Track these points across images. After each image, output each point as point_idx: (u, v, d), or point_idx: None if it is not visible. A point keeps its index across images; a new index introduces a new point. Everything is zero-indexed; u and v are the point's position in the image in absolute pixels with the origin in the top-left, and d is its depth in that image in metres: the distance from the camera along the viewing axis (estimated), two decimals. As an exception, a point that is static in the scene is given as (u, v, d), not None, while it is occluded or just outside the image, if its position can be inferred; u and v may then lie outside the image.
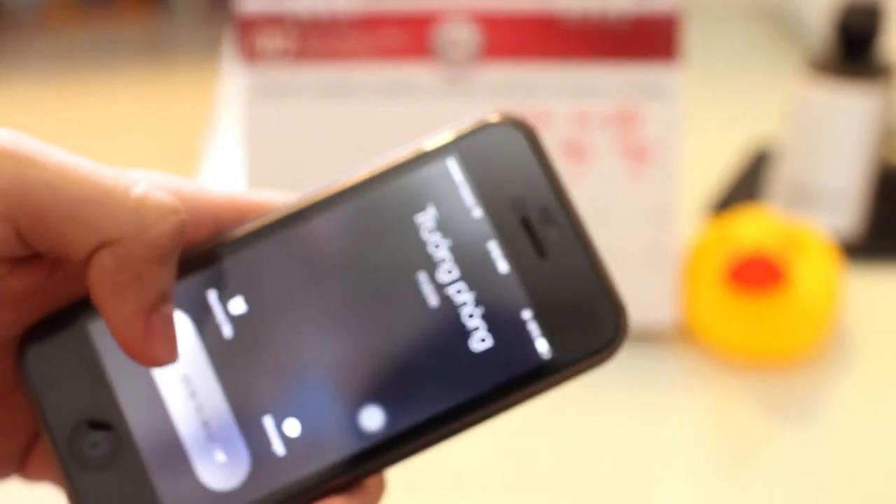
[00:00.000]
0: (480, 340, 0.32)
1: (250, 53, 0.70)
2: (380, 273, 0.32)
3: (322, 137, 0.70)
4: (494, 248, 0.32)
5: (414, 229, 0.32)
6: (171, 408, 0.32)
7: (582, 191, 0.69)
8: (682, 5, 0.68)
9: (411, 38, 0.69)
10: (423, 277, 0.32)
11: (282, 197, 0.34)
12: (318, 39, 0.70)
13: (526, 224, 0.32)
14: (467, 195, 0.32)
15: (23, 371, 0.32)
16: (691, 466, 0.62)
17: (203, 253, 0.33)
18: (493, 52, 0.69)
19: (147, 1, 1.62)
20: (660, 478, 0.61)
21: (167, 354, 0.30)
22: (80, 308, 0.32)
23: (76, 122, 1.22)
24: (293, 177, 0.70)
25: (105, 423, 0.31)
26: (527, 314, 0.32)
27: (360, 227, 0.32)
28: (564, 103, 0.69)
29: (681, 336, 0.71)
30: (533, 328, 0.32)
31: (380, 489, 0.32)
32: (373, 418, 0.32)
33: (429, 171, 0.33)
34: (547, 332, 0.32)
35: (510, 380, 0.32)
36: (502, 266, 0.32)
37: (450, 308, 0.32)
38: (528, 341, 0.32)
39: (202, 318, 0.32)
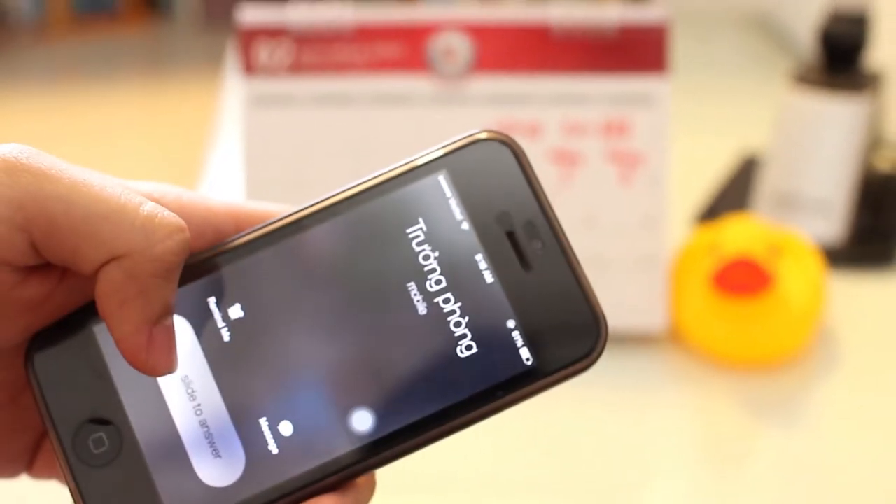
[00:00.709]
0: (466, 348, 0.33)
1: (249, 64, 0.72)
2: (371, 282, 0.34)
3: (319, 147, 0.71)
4: (481, 261, 0.34)
5: (405, 241, 0.34)
6: (172, 408, 0.33)
7: (573, 198, 0.70)
8: (670, 16, 0.70)
9: (406, 49, 0.71)
10: (412, 287, 0.34)
11: (279, 208, 0.35)
12: (315, 51, 0.71)
13: (511, 237, 0.34)
14: (456, 209, 0.34)
15: (30, 372, 0.33)
16: (679, 467, 0.63)
17: (204, 261, 0.34)
18: (487, 63, 0.71)
19: (147, 11, 1.63)
20: (648, 478, 0.63)
21: (167, 365, 0.32)
22: (86, 313, 0.34)
23: (77, 131, 1.23)
24: (291, 185, 0.72)
25: (108, 421, 0.33)
26: (511, 323, 0.33)
27: (353, 238, 0.34)
28: (555, 113, 0.70)
29: (669, 339, 0.72)
30: (517, 337, 0.33)
31: (370, 488, 0.34)
32: (363, 421, 0.33)
33: (419, 186, 0.34)
34: (530, 341, 0.33)
35: (495, 385, 0.33)
36: (488, 277, 0.34)
37: (438, 317, 0.33)
38: (513, 349, 0.33)
39: (202, 323, 0.34)
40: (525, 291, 0.33)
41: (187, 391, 0.33)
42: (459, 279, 0.34)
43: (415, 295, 0.34)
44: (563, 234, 0.34)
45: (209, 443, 0.33)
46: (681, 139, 0.75)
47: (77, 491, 0.32)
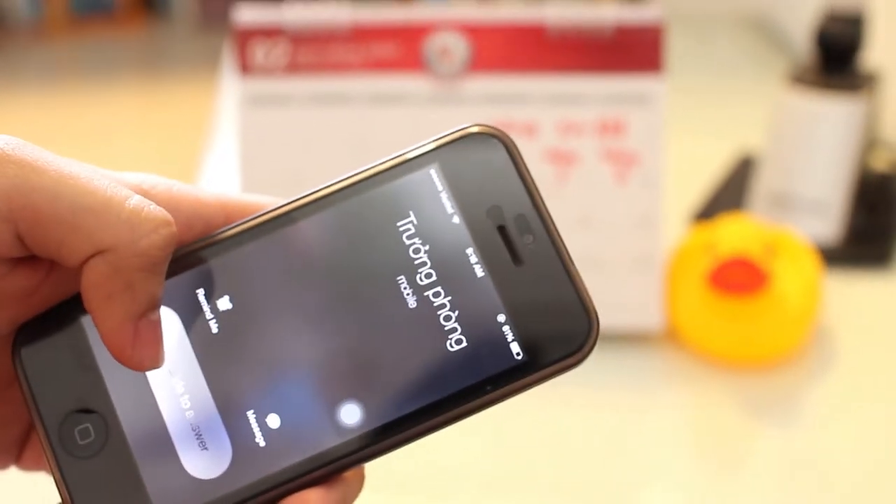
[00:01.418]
0: (456, 342, 0.33)
1: (245, 64, 0.72)
2: (361, 275, 0.34)
3: (315, 147, 0.71)
4: (472, 254, 0.34)
5: (396, 234, 0.34)
6: (159, 399, 0.33)
7: (568, 198, 0.70)
8: (665, 16, 0.70)
9: (402, 49, 0.71)
10: (402, 280, 0.34)
11: (269, 200, 0.35)
12: (311, 51, 0.71)
13: (503, 231, 0.34)
14: (447, 202, 0.34)
15: (17, 364, 0.33)
16: (676, 465, 0.64)
17: (193, 252, 0.34)
18: (483, 63, 0.71)
19: (144, 12, 1.63)
20: (645, 477, 0.63)
21: (152, 359, 0.32)
22: (73, 305, 0.33)
23: (75, 131, 1.23)
24: (287, 185, 0.72)
25: (94, 412, 0.33)
26: (501, 318, 0.33)
27: (343, 231, 0.34)
28: (551, 113, 0.70)
29: (665, 339, 0.72)
30: (507, 331, 0.33)
31: (359, 482, 0.34)
32: (351, 414, 0.33)
33: (411, 179, 0.34)
34: (520, 336, 0.33)
35: (484, 380, 0.33)
36: (479, 271, 0.33)
37: (428, 310, 0.33)
38: (503, 344, 0.33)
39: (190, 315, 0.34)
40: (516, 286, 0.33)
41: (175, 383, 0.33)
42: (450, 273, 0.34)
43: (404, 288, 0.33)
44: (555, 228, 0.34)
45: (196, 434, 0.33)
46: (677, 139, 0.75)
47: (62, 481, 0.32)
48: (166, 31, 1.63)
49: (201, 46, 1.54)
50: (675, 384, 0.69)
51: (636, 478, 0.63)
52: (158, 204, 0.32)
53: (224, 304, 0.34)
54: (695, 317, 0.70)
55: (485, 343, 0.33)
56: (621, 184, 0.70)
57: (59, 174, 0.31)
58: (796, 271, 0.70)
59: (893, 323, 0.77)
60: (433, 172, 0.34)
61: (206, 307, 0.34)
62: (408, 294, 0.33)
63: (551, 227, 0.34)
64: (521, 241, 0.34)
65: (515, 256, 0.34)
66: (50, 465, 0.33)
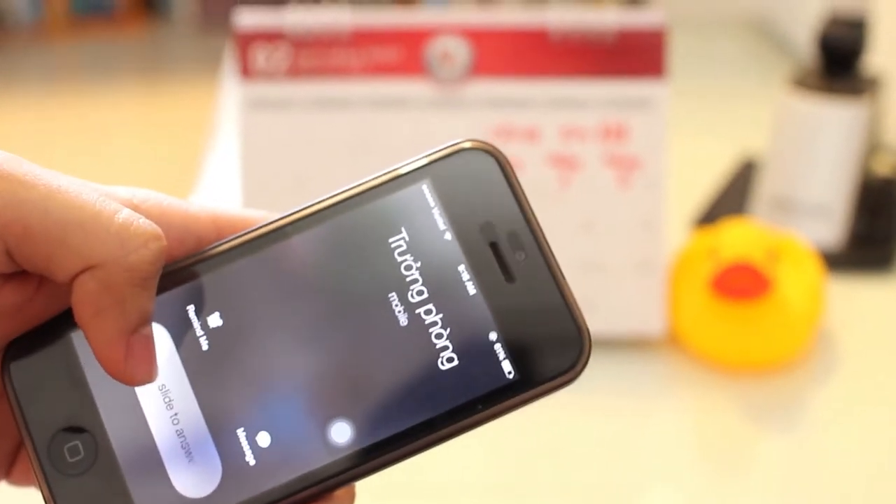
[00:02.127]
0: (448, 360, 0.33)
1: (246, 68, 0.71)
2: (353, 291, 0.33)
3: (316, 151, 0.71)
4: (464, 271, 0.33)
5: (387, 250, 0.34)
6: (149, 417, 0.33)
7: (571, 203, 0.70)
8: (668, 20, 0.70)
9: (404, 53, 0.71)
10: (394, 298, 0.33)
11: (261, 215, 0.35)
12: (312, 55, 0.71)
13: (495, 248, 0.33)
14: (439, 218, 0.34)
15: (6, 380, 0.33)
16: (678, 471, 0.63)
17: (183, 268, 0.34)
18: (484, 67, 0.70)
19: (145, 13, 1.63)
20: (647, 483, 0.63)
21: (146, 374, 0.31)
22: (63, 321, 0.33)
23: (75, 133, 1.23)
24: (288, 189, 0.71)
25: (84, 430, 0.33)
26: (493, 335, 0.33)
27: (335, 247, 0.34)
28: (554, 117, 0.70)
29: (667, 344, 0.72)
30: (499, 349, 0.33)
31: (349, 500, 0.34)
32: (342, 433, 0.33)
33: (403, 195, 0.34)
34: (512, 354, 0.33)
35: (475, 399, 0.33)
36: (471, 288, 0.33)
37: (419, 328, 0.33)
38: (495, 362, 0.33)
39: (180, 332, 0.33)
40: (508, 303, 0.33)
41: (164, 400, 0.33)
42: (442, 290, 0.33)
43: (396, 305, 0.33)
44: (547, 245, 0.34)
45: (186, 452, 0.33)
46: (679, 143, 0.75)
47: (51, 499, 0.32)
48: (167, 32, 1.63)
49: (202, 48, 1.54)
50: (678, 389, 0.69)
51: (638, 483, 0.62)
52: (149, 218, 0.32)
53: (214, 320, 0.33)
54: (697, 322, 0.70)
55: (476, 361, 0.33)
56: (624, 188, 0.70)
57: (48, 189, 0.30)
58: (799, 276, 0.69)
59: (896, 328, 0.76)
60: (425, 188, 0.34)
61: (196, 324, 0.33)
62: (399, 311, 0.33)
63: (544, 244, 0.34)
64: (512, 258, 0.33)
65: (507, 273, 0.33)
66: (39, 483, 0.32)
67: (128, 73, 1.47)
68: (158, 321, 0.33)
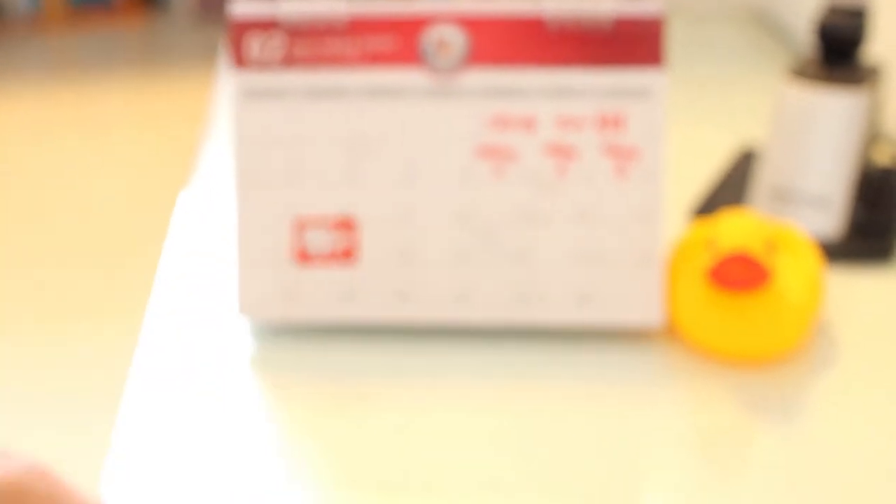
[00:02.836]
0: None
1: (240, 57, 0.71)
2: None
3: (311, 141, 0.71)
4: None
5: None
6: None
7: (568, 192, 0.70)
8: (666, 8, 0.69)
9: (399, 42, 0.70)
10: None
11: None
12: (307, 44, 0.71)
13: None
14: None
15: None
16: (674, 465, 0.63)
17: None
18: (481, 56, 0.70)
19: (142, 4, 1.63)
20: (642, 478, 0.62)
21: None
22: None
23: (73, 123, 1.23)
24: (283, 179, 0.71)
25: None
26: None
27: None
28: (550, 107, 0.70)
29: (664, 335, 0.71)
30: None
31: None
32: None
33: None
34: None
35: None
36: None
37: None
38: None
39: None
40: None
41: None
42: None
43: None
44: None
45: None
46: (677, 133, 0.75)
47: None
48: (165, 23, 1.63)
49: (200, 39, 1.54)
50: (674, 381, 0.69)
51: (634, 477, 0.62)
52: None
53: None
54: (694, 313, 0.69)
55: None
56: (621, 178, 0.70)
57: None
58: (798, 267, 0.69)
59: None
60: None
61: None
62: None
63: None
64: None
65: None
66: None
67: (126, 65, 1.47)
68: None
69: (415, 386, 0.67)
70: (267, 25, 0.71)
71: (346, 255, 0.71)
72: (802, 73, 0.82)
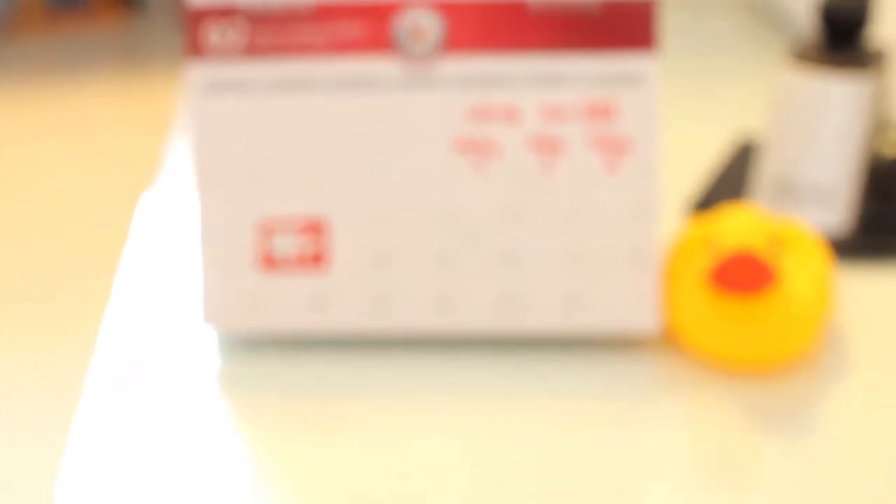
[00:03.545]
0: None
1: (198, 47, 0.66)
2: None
3: (277, 136, 0.66)
4: None
5: None
6: None
7: (555, 189, 0.65)
8: (658, -10, 0.65)
9: (370, 29, 0.65)
10: None
11: None
12: (271, 32, 0.66)
13: None
14: None
15: None
16: (675, 482, 0.58)
17: None
18: (458, 42, 0.65)
19: (119, 4, 1.60)
20: (640, 495, 0.57)
21: None
22: None
23: (51, 126, 1.19)
24: (246, 178, 0.66)
25: None
26: None
27: None
28: (534, 96, 0.65)
29: (662, 342, 0.67)
30: None
31: None
32: None
33: None
34: None
35: None
36: None
37: None
38: None
39: None
40: None
41: None
42: None
43: None
44: None
45: None
46: (671, 123, 0.70)
47: None
48: (143, 23, 1.60)
49: (178, 38, 1.49)
50: (674, 392, 0.64)
51: (631, 496, 0.57)
52: None
53: None
54: (694, 318, 0.64)
55: None
56: (613, 173, 0.65)
57: None
58: (805, 267, 0.64)
59: (910, 320, 0.71)
60: None
61: None
62: None
63: None
64: None
65: None
66: None
67: (104, 66, 1.43)
68: None
69: (393, 403, 0.63)
70: (227, 12, 0.66)
71: (316, 260, 0.66)
72: (804, 57, 0.78)
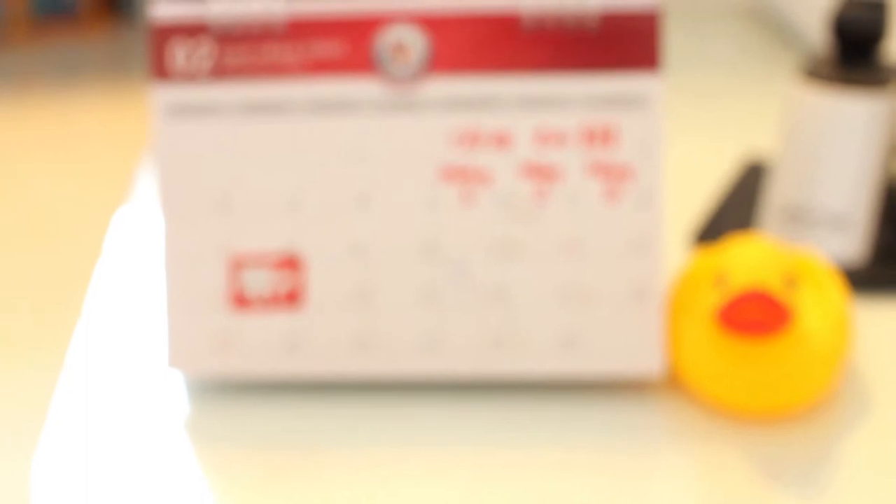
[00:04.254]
0: None
1: (163, 68, 0.62)
2: None
3: (248, 164, 0.62)
4: None
5: None
6: None
7: (550, 220, 0.62)
8: (661, 4, 0.62)
9: (349, 47, 0.62)
10: None
11: None
12: (241, 51, 0.62)
13: None
14: None
15: None
16: (682, 546, 0.54)
17: None
18: (445, 62, 0.62)
19: (109, 14, 1.61)
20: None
21: None
22: None
23: (37, 139, 1.19)
24: (215, 211, 0.62)
25: None
26: None
27: None
28: (528, 120, 0.62)
29: (666, 386, 0.64)
30: None
31: None
32: None
33: None
34: None
35: None
36: None
37: None
38: None
39: None
40: None
41: None
42: None
43: None
44: None
45: None
46: (675, 146, 0.68)
47: None
48: (133, 34, 1.62)
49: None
50: (679, 442, 0.61)
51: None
52: None
53: None
54: (701, 360, 0.61)
55: None
56: (612, 202, 0.62)
57: None
58: (822, 304, 0.61)
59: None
60: None
61: None
62: None
63: None
64: None
65: None
66: None
67: (92, 77, 1.44)
68: None
69: (375, 453, 0.59)
70: (194, 30, 0.61)
71: (292, 297, 0.62)
72: (816, 74, 0.75)
